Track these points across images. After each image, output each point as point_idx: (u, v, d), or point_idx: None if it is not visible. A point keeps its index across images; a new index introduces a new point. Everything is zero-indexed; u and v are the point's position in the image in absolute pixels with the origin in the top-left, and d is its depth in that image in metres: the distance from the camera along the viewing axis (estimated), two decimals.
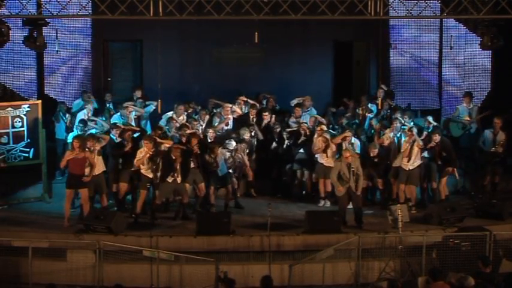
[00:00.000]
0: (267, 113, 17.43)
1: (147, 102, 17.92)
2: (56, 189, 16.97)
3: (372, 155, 15.69)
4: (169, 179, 15.10)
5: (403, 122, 16.48)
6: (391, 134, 16.09)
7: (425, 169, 15.96)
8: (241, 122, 17.34)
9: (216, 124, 17.10)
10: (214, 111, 17.79)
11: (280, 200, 16.60)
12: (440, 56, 20.03)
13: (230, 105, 17.44)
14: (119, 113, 17.24)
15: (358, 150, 15.96)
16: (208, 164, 15.62)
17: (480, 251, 13.45)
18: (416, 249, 13.79)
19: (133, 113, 17.33)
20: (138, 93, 18.09)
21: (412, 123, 16.67)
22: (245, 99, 18.02)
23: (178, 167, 15.06)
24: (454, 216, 14.96)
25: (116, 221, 14.42)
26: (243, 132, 16.49)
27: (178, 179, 15.12)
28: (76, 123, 16.72)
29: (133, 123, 16.91)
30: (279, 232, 14.43)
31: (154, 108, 18.00)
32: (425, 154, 15.92)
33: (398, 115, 16.91)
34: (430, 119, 16.89)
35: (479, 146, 16.85)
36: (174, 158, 15.03)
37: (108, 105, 18.33)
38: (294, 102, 17.87)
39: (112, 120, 17.09)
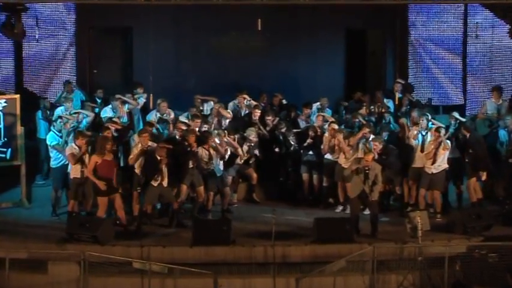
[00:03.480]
0: (270, 117, 17.36)
1: (136, 96, 17.81)
2: (36, 193, 16.97)
3: (374, 148, 15.58)
4: (154, 183, 15.05)
5: (430, 118, 16.39)
6: (415, 132, 16.02)
7: (452, 169, 15.94)
8: (242, 122, 17.32)
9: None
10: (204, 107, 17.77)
11: (286, 206, 16.58)
12: (464, 46, 19.99)
13: (216, 107, 17.28)
14: (109, 106, 17.18)
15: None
16: (202, 161, 15.47)
17: (508, 262, 13.43)
18: (438, 261, 13.76)
19: (126, 106, 17.30)
20: (140, 91, 17.96)
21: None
22: (247, 97, 17.91)
23: (163, 169, 15.03)
24: (480, 224, 14.92)
25: (103, 229, 14.36)
26: (249, 133, 16.47)
27: (164, 182, 15.08)
28: (54, 119, 16.57)
29: (125, 117, 16.89)
30: (285, 242, 14.40)
31: (144, 101, 17.93)
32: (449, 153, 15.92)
33: (416, 112, 16.80)
34: (456, 114, 16.86)
35: (496, 147, 16.86)
36: (159, 158, 14.97)
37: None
38: (314, 108, 17.83)
39: (102, 114, 17.03)
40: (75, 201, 15.15)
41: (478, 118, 18.14)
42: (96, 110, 17.59)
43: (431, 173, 15.64)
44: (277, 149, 16.90)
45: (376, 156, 15.33)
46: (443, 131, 15.74)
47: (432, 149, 15.58)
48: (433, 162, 15.60)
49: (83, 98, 18.04)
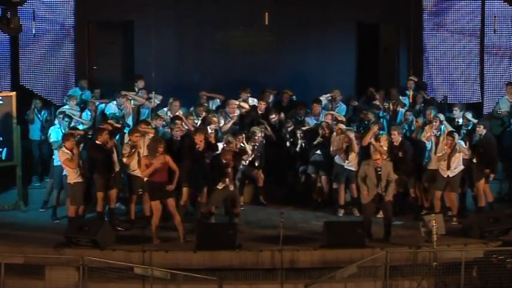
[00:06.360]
0: (273, 116, 17.40)
1: (150, 95, 17.79)
2: (33, 196, 17.03)
3: (393, 138, 15.56)
4: (220, 186, 15.18)
5: (441, 119, 16.38)
6: (428, 134, 16.01)
7: (465, 171, 15.95)
8: (248, 119, 17.36)
9: (222, 124, 17.07)
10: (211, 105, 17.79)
11: (294, 209, 16.60)
12: (481, 41, 19.98)
13: (237, 102, 17.39)
14: (114, 102, 17.18)
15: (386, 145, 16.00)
16: (221, 167, 15.53)
17: None
18: (454, 267, 13.79)
19: (132, 102, 17.29)
20: (141, 84, 17.98)
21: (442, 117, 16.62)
22: (248, 96, 17.91)
23: (229, 172, 15.16)
24: (498, 228, 14.93)
25: (103, 232, 14.40)
26: (254, 132, 16.50)
27: (231, 186, 15.21)
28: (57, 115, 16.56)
29: (131, 115, 16.89)
30: (293, 246, 14.43)
31: (158, 102, 17.84)
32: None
33: (433, 111, 16.78)
34: (469, 115, 16.84)
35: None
36: (225, 162, 15.09)
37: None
38: (323, 99, 17.80)
39: (107, 111, 17.04)
40: (78, 207, 15.05)
41: (492, 118, 18.13)
42: (101, 106, 17.57)
43: (447, 176, 15.65)
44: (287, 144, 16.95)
45: (387, 155, 15.37)
46: (456, 135, 15.72)
47: (446, 153, 15.56)
48: (449, 167, 15.59)
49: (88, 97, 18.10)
